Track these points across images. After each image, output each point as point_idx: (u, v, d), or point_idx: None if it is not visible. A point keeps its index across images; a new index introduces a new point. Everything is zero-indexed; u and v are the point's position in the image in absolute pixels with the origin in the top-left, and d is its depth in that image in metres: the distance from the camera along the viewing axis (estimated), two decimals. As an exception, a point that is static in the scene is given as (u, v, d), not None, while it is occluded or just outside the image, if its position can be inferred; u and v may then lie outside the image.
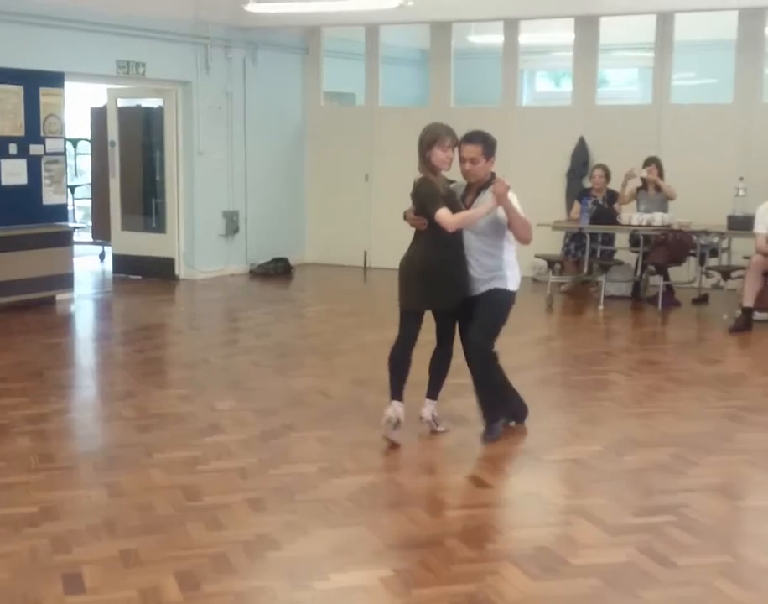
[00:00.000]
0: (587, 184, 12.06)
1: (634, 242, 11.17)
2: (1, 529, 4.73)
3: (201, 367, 8.26)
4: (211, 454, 5.86)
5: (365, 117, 13.88)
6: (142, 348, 9.03)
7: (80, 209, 16.77)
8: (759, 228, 9.75)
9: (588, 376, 7.98)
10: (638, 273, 11.34)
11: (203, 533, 4.69)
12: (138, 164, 13.31)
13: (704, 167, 11.69)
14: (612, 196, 11.41)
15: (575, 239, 11.61)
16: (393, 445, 5.96)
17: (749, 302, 9.58)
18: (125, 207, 13.18)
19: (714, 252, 10.90)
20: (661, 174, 11.14)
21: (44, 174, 10.92)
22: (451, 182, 6.06)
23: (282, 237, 13.80)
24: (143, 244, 12.88)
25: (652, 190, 11.18)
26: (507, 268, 6.02)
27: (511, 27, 12.88)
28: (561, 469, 5.83)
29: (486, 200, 5.82)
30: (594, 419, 6.75)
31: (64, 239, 11.08)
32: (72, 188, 15.51)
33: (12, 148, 10.60)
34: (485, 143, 5.94)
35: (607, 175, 11.52)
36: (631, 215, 10.87)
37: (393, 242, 6.19)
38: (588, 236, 11.12)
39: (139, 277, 12.78)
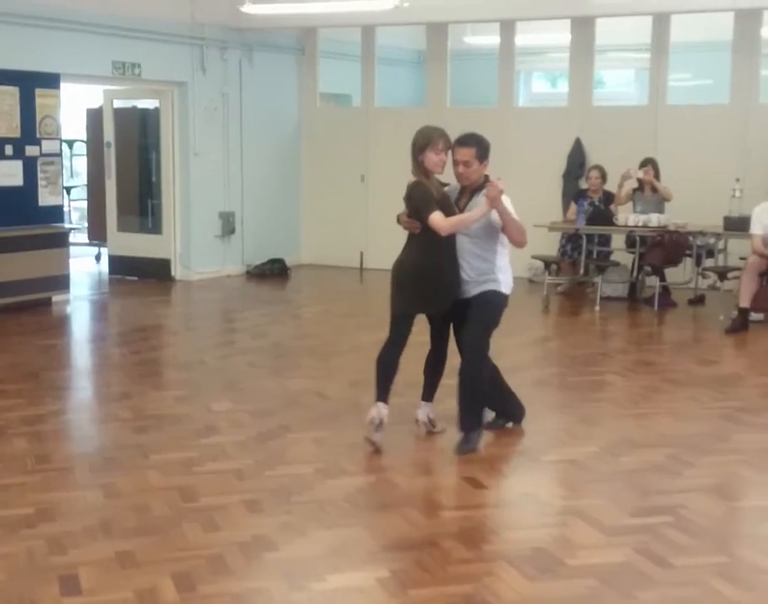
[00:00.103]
0: (583, 185, 12.06)
1: (630, 243, 11.18)
2: (-3, 531, 4.74)
3: (197, 369, 8.25)
4: (207, 455, 5.85)
5: (362, 118, 13.88)
6: (139, 349, 9.02)
7: (76, 210, 16.77)
8: (755, 229, 9.75)
9: (585, 377, 7.98)
10: (634, 274, 11.36)
11: (199, 535, 4.69)
12: (134, 165, 13.30)
13: (700, 168, 11.70)
14: (608, 197, 11.42)
15: (571, 240, 11.61)
16: (375, 449, 5.90)
17: (745, 303, 9.58)
18: (121, 208, 13.17)
19: (711, 253, 10.91)
20: (657, 175, 11.15)
21: (39, 175, 10.92)
22: (445, 185, 6.02)
23: (278, 238, 13.80)
24: (139, 245, 12.87)
25: (648, 191, 11.19)
26: (500, 272, 5.96)
27: (508, 28, 12.88)
28: (557, 470, 5.83)
29: (480, 203, 5.78)
30: (591, 420, 6.76)
31: (60, 240, 11.06)
32: (68, 189, 15.52)
33: (8, 150, 10.59)
34: (478, 145, 5.89)
35: (603, 176, 11.52)
36: (628, 216, 10.88)
37: (389, 243, 6.19)
38: (584, 237, 11.12)
39: (135, 278, 12.77)
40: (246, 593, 4.17)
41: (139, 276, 12.77)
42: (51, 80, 10.93)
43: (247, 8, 11.66)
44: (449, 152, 5.88)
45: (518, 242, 5.92)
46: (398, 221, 6.01)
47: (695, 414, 6.87)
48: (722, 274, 10.55)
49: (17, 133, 10.65)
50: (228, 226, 13.18)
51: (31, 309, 10.44)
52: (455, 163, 5.88)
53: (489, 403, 6.28)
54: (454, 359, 6.11)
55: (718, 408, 6.98)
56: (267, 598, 4.12)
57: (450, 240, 5.85)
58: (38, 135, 10.86)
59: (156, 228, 12.97)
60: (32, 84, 10.70)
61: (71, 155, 17.07)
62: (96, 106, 13.60)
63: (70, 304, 11.05)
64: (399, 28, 13.89)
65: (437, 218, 5.70)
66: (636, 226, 10.74)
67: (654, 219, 10.68)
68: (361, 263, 13.94)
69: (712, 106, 12.55)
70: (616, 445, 6.14)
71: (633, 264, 11.34)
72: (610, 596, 4.13)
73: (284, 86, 13.89)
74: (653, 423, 6.63)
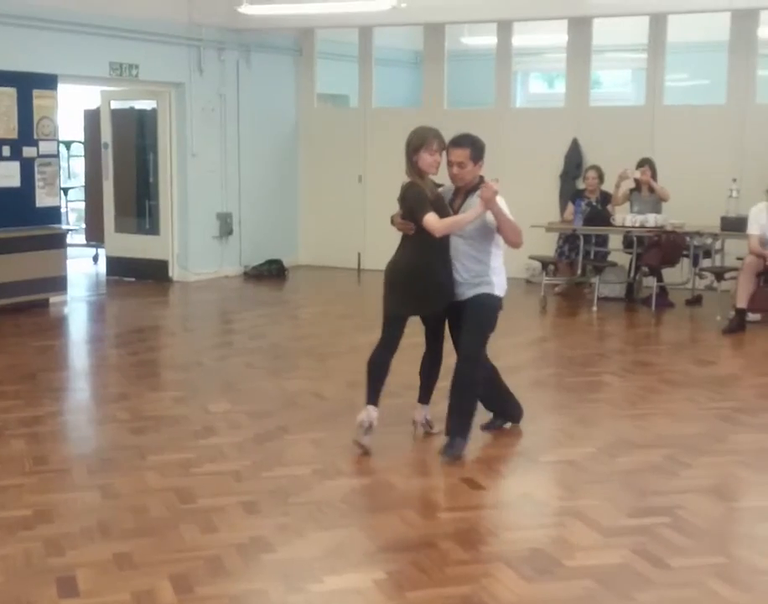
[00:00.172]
0: (580, 185, 12.08)
1: (627, 243, 11.20)
2: (-6, 533, 4.73)
3: (195, 370, 8.25)
4: (205, 456, 5.85)
5: (359, 118, 13.88)
6: (136, 350, 9.02)
7: (73, 211, 16.76)
8: (752, 229, 9.76)
9: (582, 377, 7.98)
10: (631, 274, 11.37)
11: (197, 536, 4.69)
12: (132, 166, 13.29)
13: (697, 168, 11.71)
14: (605, 198, 11.43)
15: (569, 241, 11.62)
16: (364, 452, 5.88)
17: (742, 303, 9.59)
18: (118, 209, 13.17)
19: (707, 254, 10.93)
20: (654, 176, 11.15)
21: (37, 176, 10.91)
22: (439, 186, 5.97)
23: (275, 239, 13.80)
24: (137, 246, 12.87)
25: (646, 192, 11.20)
26: (494, 273, 5.91)
27: (505, 28, 12.89)
28: (555, 470, 5.83)
29: (474, 204, 5.73)
30: (588, 421, 6.76)
31: (57, 241, 11.06)
32: (65, 190, 15.49)
33: (6, 151, 10.58)
34: (473, 146, 5.84)
35: (600, 177, 11.54)
36: (625, 216, 10.89)
37: (387, 243, 6.17)
38: (581, 237, 11.13)
39: (133, 279, 12.77)
40: (243, 594, 4.17)
41: (137, 277, 12.77)
42: (48, 81, 10.92)
43: (245, 9, 11.65)
44: (444, 153, 5.84)
45: (514, 242, 5.86)
46: (392, 222, 5.97)
47: (692, 415, 6.87)
48: (719, 275, 10.55)
49: (14, 134, 10.64)
50: (225, 226, 13.18)
51: (28, 311, 10.43)
52: (450, 163, 5.84)
53: (487, 404, 6.29)
54: (450, 360, 6.10)
55: (715, 408, 6.99)
56: (264, 600, 4.12)
57: (444, 241, 5.81)
58: (35, 136, 10.86)
59: (153, 229, 12.96)
60: (29, 85, 10.69)
61: (69, 156, 17.06)
62: (93, 107, 13.60)
63: (67, 306, 11.05)
64: (396, 28, 13.91)
65: (431, 219, 5.65)
66: (633, 227, 10.75)
67: (651, 219, 10.69)
68: (359, 264, 13.94)
69: (709, 106, 12.56)
70: (614, 445, 6.14)
71: (630, 265, 11.35)
72: (608, 596, 4.13)
73: (281, 87, 13.89)
74: (650, 423, 6.63)
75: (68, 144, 16.46)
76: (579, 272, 11.49)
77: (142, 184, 13.24)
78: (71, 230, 13.62)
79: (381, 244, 7.96)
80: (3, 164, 10.56)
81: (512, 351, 8.54)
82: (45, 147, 11.01)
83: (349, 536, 4.73)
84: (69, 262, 11.36)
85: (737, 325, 9.59)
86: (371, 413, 5.90)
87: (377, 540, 4.68)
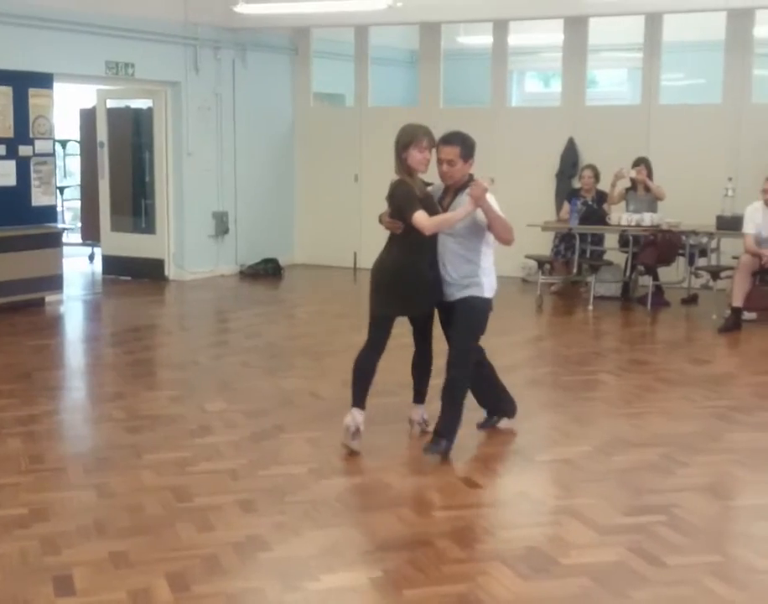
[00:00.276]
0: (576, 184, 12.08)
1: (623, 242, 11.20)
2: (-10, 531, 4.73)
3: (191, 369, 8.25)
4: (201, 455, 5.85)
5: (355, 117, 13.88)
6: (132, 349, 9.01)
7: (69, 210, 16.74)
8: (747, 228, 9.78)
9: (578, 376, 7.99)
10: (627, 273, 11.38)
11: (193, 535, 4.69)
12: (128, 164, 13.29)
13: (693, 167, 11.72)
14: (601, 197, 11.44)
15: (565, 240, 11.63)
16: (352, 452, 5.86)
17: (738, 302, 9.60)
18: (114, 208, 13.16)
19: (703, 253, 10.94)
20: (650, 175, 11.16)
21: (33, 175, 10.90)
22: (428, 185, 5.89)
23: (271, 238, 13.79)
24: (133, 245, 12.86)
25: (641, 191, 11.21)
26: (484, 274, 5.81)
27: (500, 28, 12.89)
28: (551, 469, 5.84)
29: (464, 202, 5.64)
30: (584, 420, 6.77)
31: (53, 240, 11.05)
32: (61, 189, 15.47)
33: (1, 150, 10.58)
34: (463, 144, 5.75)
35: (596, 176, 11.54)
36: (620, 215, 10.90)
37: (383, 243, 6.16)
38: (577, 236, 11.13)
39: (129, 278, 12.76)
40: (240, 593, 4.17)
41: (133, 276, 12.76)
42: (44, 80, 10.91)
43: (240, 8, 11.65)
44: (434, 150, 5.76)
45: (505, 239, 5.76)
46: (380, 221, 5.89)
47: (688, 414, 6.88)
48: (715, 274, 10.57)
49: (10, 133, 10.64)
50: (221, 225, 13.18)
51: (24, 310, 10.42)
52: (439, 161, 5.75)
53: (481, 400, 6.28)
54: (441, 361, 6.03)
55: (710, 407, 7.00)
56: (260, 598, 4.12)
57: (431, 241, 5.73)
58: (31, 135, 10.85)
59: (149, 228, 12.96)
60: (25, 84, 10.69)
61: (64, 155, 17.04)
62: (89, 106, 13.59)
63: (63, 305, 11.04)
64: (392, 27, 13.92)
65: (420, 217, 5.56)
66: (629, 226, 10.76)
67: (647, 218, 10.70)
68: (355, 263, 13.93)
69: (704, 105, 12.57)
70: (610, 444, 6.15)
71: (626, 264, 11.36)
72: (604, 595, 4.14)
73: (277, 86, 13.89)
74: (646, 422, 6.64)
75: (64, 143, 16.45)
76: (575, 271, 11.50)
77: (138, 183, 13.24)
78: (67, 229, 13.60)
79: (377, 243, 7.93)
80: (-1, 162, 10.58)
81: (509, 349, 8.54)
82: (41, 146, 11.00)
83: (345, 534, 4.73)
84: (65, 261, 11.36)
85: (733, 324, 9.60)
86: (356, 417, 5.84)
87: (374, 539, 4.68)
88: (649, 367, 8.34)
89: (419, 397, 6.23)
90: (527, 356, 8.76)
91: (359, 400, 5.88)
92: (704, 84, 14.26)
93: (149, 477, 5.48)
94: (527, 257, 11.37)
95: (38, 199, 10.99)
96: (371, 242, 13.16)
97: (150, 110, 12.79)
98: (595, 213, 11.18)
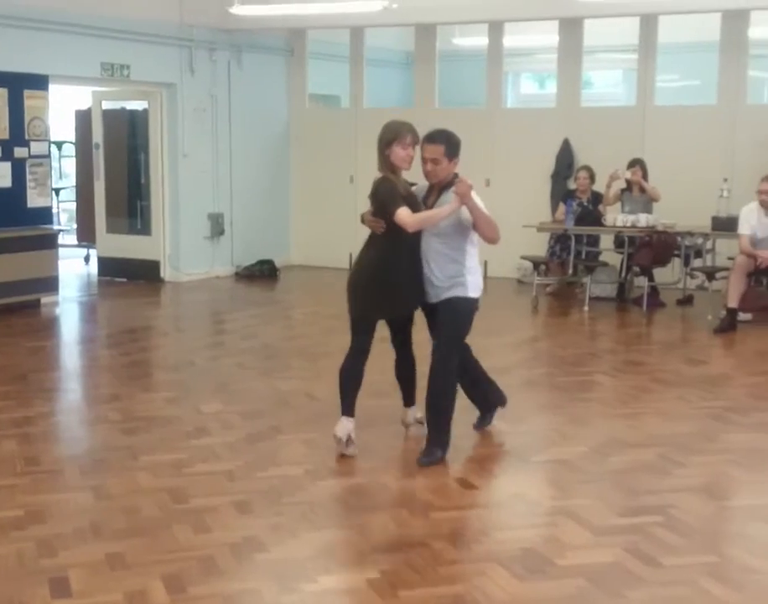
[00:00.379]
0: (572, 185, 12.09)
1: (619, 243, 11.21)
2: (-14, 533, 4.73)
3: (187, 370, 8.25)
4: (197, 457, 5.85)
5: (350, 119, 13.88)
6: (128, 351, 9.01)
7: (64, 212, 16.72)
8: (743, 229, 9.79)
9: (574, 377, 7.99)
10: (623, 274, 11.38)
11: (190, 536, 4.69)
12: (123, 166, 13.27)
13: (688, 168, 11.74)
14: (597, 198, 11.45)
15: (560, 241, 11.63)
16: (343, 453, 5.84)
17: (733, 303, 9.61)
18: (110, 210, 13.15)
19: (699, 254, 10.95)
20: (645, 176, 11.17)
21: (28, 176, 10.89)
22: (412, 185, 5.80)
23: (267, 239, 13.79)
24: (128, 247, 12.86)
25: (637, 192, 11.22)
26: (469, 273, 5.69)
27: (496, 29, 12.90)
28: (547, 470, 5.84)
29: (449, 200, 5.51)
30: (580, 420, 6.77)
31: (48, 242, 11.04)
32: (57, 191, 15.48)
33: (-3, 151, 10.59)
34: (447, 142, 5.61)
35: (592, 177, 11.56)
36: (616, 216, 10.90)
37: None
38: (573, 237, 11.14)
39: (124, 279, 12.75)
40: (236, 594, 4.17)
41: (128, 277, 12.76)
42: (40, 82, 10.90)
43: (236, 10, 11.66)
44: (418, 148, 5.66)
45: (490, 238, 5.63)
46: (362, 220, 5.78)
47: (684, 414, 6.89)
48: (710, 274, 10.58)
49: (5, 135, 10.62)
50: (217, 227, 13.17)
51: (19, 311, 10.41)
52: (423, 160, 5.63)
53: (472, 397, 6.27)
54: (424, 367, 5.97)
55: (706, 407, 7.01)
56: (257, 599, 4.12)
57: (413, 240, 5.62)
58: (26, 136, 10.84)
59: (145, 229, 12.95)
60: (20, 85, 10.67)
61: (60, 157, 17.02)
62: (84, 107, 13.57)
63: (58, 306, 11.03)
64: (388, 29, 13.92)
65: (403, 213, 5.45)
66: (625, 227, 10.77)
67: (642, 219, 10.71)
68: (350, 264, 13.90)
69: (699, 106, 12.58)
70: (605, 444, 6.15)
71: (621, 265, 11.37)
72: (600, 595, 4.14)
73: (273, 87, 13.89)
74: (642, 423, 6.65)
75: (59, 145, 16.43)
76: (571, 272, 11.50)
77: (133, 184, 13.22)
78: (63, 230, 13.58)
79: (373, 244, 7.99)
80: (-6, 164, 10.57)
81: (504, 350, 8.55)
82: (36, 147, 10.99)
83: (342, 536, 4.74)
84: (60, 263, 11.35)
85: (728, 325, 9.61)
86: (346, 425, 5.78)
87: (370, 540, 4.68)
88: (644, 368, 8.34)
89: (409, 399, 6.20)
90: (523, 357, 8.76)
91: (347, 408, 5.80)
92: (699, 85, 14.29)
93: (145, 479, 5.48)
94: (523, 258, 11.37)
95: (34, 200, 10.98)
96: (367, 243, 13.30)
97: (145, 111, 12.78)
98: (590, 214, 11.19)
